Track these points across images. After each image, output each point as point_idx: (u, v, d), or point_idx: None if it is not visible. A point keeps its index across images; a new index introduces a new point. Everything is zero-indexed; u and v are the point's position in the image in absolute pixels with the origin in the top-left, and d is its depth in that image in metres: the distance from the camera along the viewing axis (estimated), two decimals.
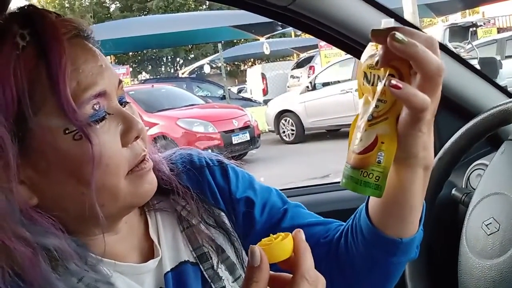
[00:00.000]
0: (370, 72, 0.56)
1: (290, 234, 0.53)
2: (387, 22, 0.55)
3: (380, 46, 0.54)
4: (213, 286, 0.71)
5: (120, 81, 0.65)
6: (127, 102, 0.67)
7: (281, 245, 0.51)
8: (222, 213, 0.77)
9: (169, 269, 0.70)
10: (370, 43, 0.57)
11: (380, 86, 0.54)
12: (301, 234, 0.53)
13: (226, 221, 0.76)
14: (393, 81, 0.51)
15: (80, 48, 0.61)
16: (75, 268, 0.59)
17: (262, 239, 0.53)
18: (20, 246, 0.54)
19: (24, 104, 0.56)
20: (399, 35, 0.50)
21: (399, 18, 1.19)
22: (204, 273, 0.71)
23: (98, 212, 0.60)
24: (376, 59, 0.55)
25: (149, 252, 0.71)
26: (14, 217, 0.55)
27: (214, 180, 0.78)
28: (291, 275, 0.51)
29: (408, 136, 0.56)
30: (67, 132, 0.58)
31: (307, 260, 0.51)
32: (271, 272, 0.51)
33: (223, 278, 0.72)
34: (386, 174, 0.55)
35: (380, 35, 0.52)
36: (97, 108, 0.60)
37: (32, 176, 0.59)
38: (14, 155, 0.56)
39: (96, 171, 0.58)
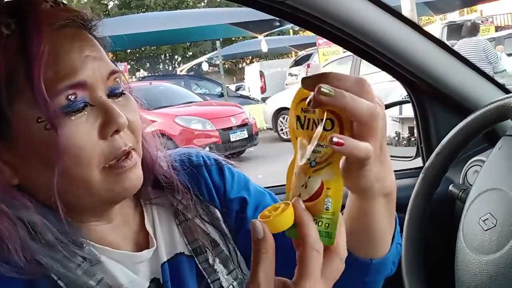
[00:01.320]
0: (304, 116, 0.54)
1: (290, 203, 0.52)
2: (315, 66, 0.53)
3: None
4: (207, 278, 0.71)
5: (113, 72, 0.64)
6: (122, 93, 0.66)
7: (281, 217, 0.51)
8: (217, 210, 0.77)
9: (165, 260, 0.70)
10: (300, 87, 0.55)
11: (318, 131, 0.52)
12: (300, 203, 0.52)
13: (220, 217, 0.77)
14: (335, 139, 0.48)
15: (67, 38, 0.61)
16: (55, 242, 0.60)
17: (263, 211, 0.53)
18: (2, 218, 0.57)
19: (1, 92, 0.58)
20: (325, 87, 0.48)
21: (398, 15, 1.19)
22: (199, 265, 0.72)
23: (58, 202, 0.60)
24: (307, 101, 0.52)
25: (144, 243, 0.71)
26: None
27: (210, 178, 0.79)
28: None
29: (355, 178, 0.55)
30: (39, 121, 0.58)
31: (312, 230, 0.50)
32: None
33: (217, 270, 0.72)
34: (335, 220, 0.52)
35: (309, 83, 0.51)
36: (72, 99, 0.59)
37: (13, 160, 0.62)
38: None
39: (65, 161, 0.58)
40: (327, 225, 0.52)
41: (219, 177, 0.79)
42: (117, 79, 0.65)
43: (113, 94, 0.65)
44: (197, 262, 0.72)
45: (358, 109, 0.49)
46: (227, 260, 0.75)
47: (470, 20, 10.16)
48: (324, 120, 0.52)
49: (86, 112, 0.61)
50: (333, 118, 0.52)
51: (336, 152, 0.51)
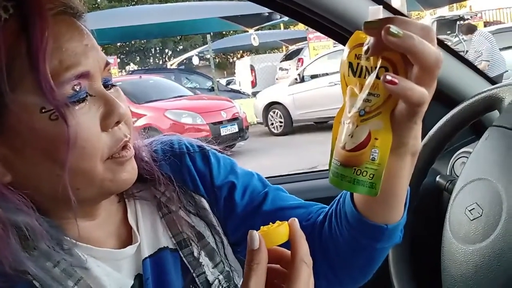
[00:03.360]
0: (358, 63, 0.53)
1: (286, 222, 0.54)
2: (375, 9, 0.52)
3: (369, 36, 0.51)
4: (193, 272, 0.70)
5: (108, 63, 0.63)
6: (113, 85, 0.65)
7: (278, 230, 0.53)
8: (203, 199, 0.76)
9: (147, 255, 0.69)
10: (357, 31, 0.54)
11: (370, 79, 0.51)
12: (296, 222, 0.54)
13: (207, 206, 0.76)
14: (388, 77, 0.48)
15: (66, 26, 0.59)
16: (47, 249, 0.58)
17: (261, 227, 0.54)
18: None
19: (1, 79, 0.54)
20: (394, 28, 0.47)
21: (387, 6, 1.19)
22: (184, 259, 0.70)
23: (70, 195, 0.58)
24: (365, 48, 0.51)
25: (127, 238, 0.70)
26: None
27: (194, 166, 0.77)
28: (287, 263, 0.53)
29: (402, 129, 0.54)
30: (43, 111, 0.56)
31: (303, 245, 0.53)
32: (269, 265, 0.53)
33: (203, 264, 0.71)
34: (381, 172, 0.52)
35: (373, 27, 0.49)
36: (77, 89, 0.57)
37: (6, 154, 0.58)
38: None
39: (72, 153, 0.56)
40: (371, 175, 0.52)
41: (203, 164, 0.77)
42: (109, 70, 0.64)
43: (106, 85, 0.63)
44: (182, 255, 0.71)
45: (425, 53, 0.48)
46: (213, 252, 0.73)
47: (460, 17, 10.25)
48: (378, 67, 0.51)
49: (87, 103, 0.59)
50: (387, 66, 0.50)
51: (388, 98, 0.51)
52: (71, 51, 0.57)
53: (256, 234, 0.51)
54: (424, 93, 0.49)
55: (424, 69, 0.49)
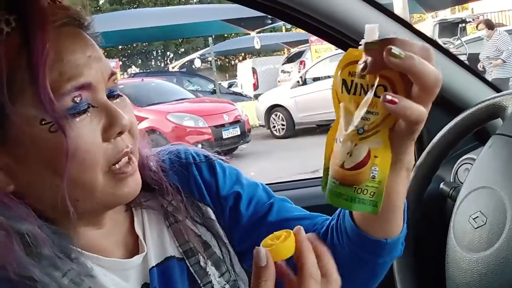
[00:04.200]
0: (352, 80, 0.53)
1: (292, 232, 0.53)
2: (371, 28, 0.52)
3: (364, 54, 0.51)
4: (199, 281, 0.70)
5: (113, 74, 0.63)
6: (120, 95, 0.65)
7: (285, 245, 0.51)
8: (209, 209, 0.76)
9: (154, 264, 0.69)
10: (350, 49, 0.53)
11: (368, 96, 0.51)
12: (302, 232, 0.53)
13: (213, 216, 0.76)
14: (388, 96, 0.48)
15: (69, 37, 0.59)
16: (53, 256, 0.58)
17: (265, 238, 0.53)
18: None
19: (2, 92, 0.55)
20: (396, 49, 0.48)
21: (389, 13, 1.19)
22: (190, 268, 0.71)
23: (69, 206, 0.58)
24: (361, 66, 0.51)
25: (134, 247, 0.70)
26: None
27: (200, 176, 0.77)
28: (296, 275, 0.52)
29: (400, 146, 0.55)
30: (43, 123, 0.56)
31: (310, 259, 0.51)
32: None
33: (209, 273, 0.71)
34: (382, 189, 0.52)
35: (373, 48, 0.50)
36: (77, 101, 0.57)
37: (9, 163, 0.58)
38: None
39: (71, 165, 0.56)
40: (372, 193, 0.52)
41: (209, 174, 0.78)
42: (115, 80, 0.64)
43: (112, 95, 0.63)
44: (188, 265, 0.71)
45: (426, 73, 0.49)
46: (220, 262, 0.73)
47: (462, 19, 10.24)
48: (375, 85, 0.51)
49: (89, 114, 0.59)
50: (386, 84, 0.51)
51: (386, 116, 0.51)
52: (73, 62, 0.57)
53: (263, 250, 0.50)
54: (423, 112, 0.50)
55: (424, 88, 0.50)
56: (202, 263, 0.71)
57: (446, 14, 16.19)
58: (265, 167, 6.95)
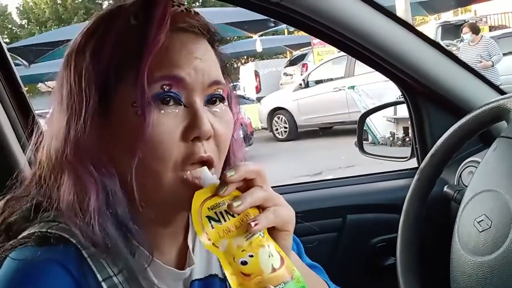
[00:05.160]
0: (215, 212, 0.58)
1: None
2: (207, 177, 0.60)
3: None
4: None
5: (217, 83, 0.65)
6: (221, 101, 0.66)
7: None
8: None
9: (197, 278, 0.70)
10: (196, 192, 0.58)
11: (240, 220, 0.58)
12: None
13: None
14: (252, 223, 0.57)
15: (184, 40, 0.63)
16: (122, 215, 0.61)
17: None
18: (89, 176, 0.60)
19: (111, 72, 0.61)
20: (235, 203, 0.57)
21: (392, 15, 1.19)
22: None
23: (135, 190, 0.61)
24: (220, 201, 0.58)
25: (182, 257, 0.70)
26: (93, 153, 0.61)
27: None
28: None
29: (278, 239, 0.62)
30: (134, 105, 0.60)
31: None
32: None
33: None
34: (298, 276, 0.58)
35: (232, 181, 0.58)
36: (166, 89, 0.61)
37: (108, 134, 0.62)
38: (95, 107, 0.62)
39: (145, 151, 0.59)
40: (299, 279, 0.58)
41: None
42: (219, 90, 0.65)
43: (211, 101, 0.65)
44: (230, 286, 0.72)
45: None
46: None
47: (465, 21, 10.24)
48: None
49: (177, 110, 0.61)
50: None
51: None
52: (174, 57, 0.62)
53: None
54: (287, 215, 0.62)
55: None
56: None
57: (449, 16, 16.19)
58: (268, 170, 6.94)
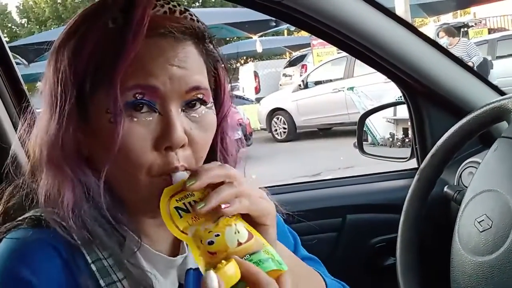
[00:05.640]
0: (184, 203, 0.58)
1: (232, 259, 0.54)
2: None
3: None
4: None
5: (197, 88, 0.63)
6: (202, 103, 0.64)
7: (231, 267, 0.53)
8: None
9: (192, 267, 0.69)
10: (165, 189, 0.59)
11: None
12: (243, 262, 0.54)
13: None
14: (223, 205, 0.56)
15: (162, 47, 0.61)
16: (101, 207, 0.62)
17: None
18: (64, 174, 0.61)
19: (87, 78, 0.61)
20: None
21: (393, 15, 1.19)
22: None
23: (117, 193, 0.63)
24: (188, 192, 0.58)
25: (175, 246, 0.71)
26: (70, 152, 0.62)
27: None
28: None
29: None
30: (108, 111, 0.60)
31: (261, 273, 0.53)
32: None
33: None
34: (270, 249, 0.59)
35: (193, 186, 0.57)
36: (138, 97, 0.60)
37: (87, 134, 0.63)
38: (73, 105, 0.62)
39: (118, 157, 0.60)
40: (269, 251, 0.57)
41: None
42: (199, 95, 0.64)
43: (189, 106, 0.64)
44: None
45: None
46: None
47: (465, 24, 10.23)
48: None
49: (151, 118, 0.61)
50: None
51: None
52: (148, 66, 0.60)
53: (214, 276, 0.51)
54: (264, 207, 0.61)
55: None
56: None
57: (448, 18, 16.21)
58: (267, 170, 6.95)
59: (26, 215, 0.63)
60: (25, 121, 0.71)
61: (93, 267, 0.61)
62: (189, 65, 0.63)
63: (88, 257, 0.61)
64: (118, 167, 0.61)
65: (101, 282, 0.60)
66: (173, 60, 0.61)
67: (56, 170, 0.62)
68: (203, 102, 0.65)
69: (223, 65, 0.71)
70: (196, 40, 0.65)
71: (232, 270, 0.52)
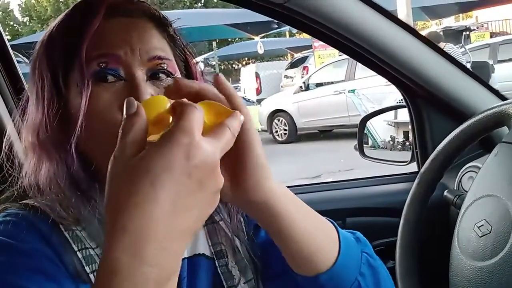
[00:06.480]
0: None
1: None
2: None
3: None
4: (224, 282, 0.70)
5: (158, 58, 0.65)
6: (168, 75, 0.66)
7: (158, 97, 0.51)
8: (241, 218, 0.76)
9: (185, 256, 0.70)
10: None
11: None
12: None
13: (243, 225, 0.76)
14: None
15: (123, 24, 0.66)
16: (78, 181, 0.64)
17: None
18: (46, 157, 0.65)
19: (61, 62, 0.65)
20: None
21: (395, 19, 1.19)
22: (218, 269, 0.71)
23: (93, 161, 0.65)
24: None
25: None
26: (53, 136, 0.65)
27: None
28: None
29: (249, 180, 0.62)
30: (78, 85, 0.63)
31: (188, 114, 0.46)
32: None
33: (235, 277, 0.71)
34: None
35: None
36: (102, 66, 0.63)
37: (66, 110, 0.65)
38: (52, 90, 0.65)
39: (88, 123, 0.62)
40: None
41: None
42: (162, 65, 0.66)
43: (155, 77, 0.66)
44: (217, 265, 0.71)
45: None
46: (246, 268, 0.73)
47: (467, 27, 10.24)
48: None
49: (117, 85, 0.63)
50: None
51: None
52: (113, 37, 0.64)
53: (134, 101, 0.48)
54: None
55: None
56: (229, 267, 0.72)
57: (450, 22, 16.22)
58: None
59: (21, 202, 0.66)
60: (23, 118, 0.72)
61: (80, 255, 0.62)
62: (149, 40, 0.66)
63: (74, 246, 0.63)
64: (91, 135, 0.63)
65: (74, 247, 0.63)
66: (133, 33, 0.65)
67: (40, 151, 0.65)
68: (169, 74, 0.67)
69: (189, 52, 0.73)
70: (157, 24, 0.69)
71: (161, 98, 0.51)
